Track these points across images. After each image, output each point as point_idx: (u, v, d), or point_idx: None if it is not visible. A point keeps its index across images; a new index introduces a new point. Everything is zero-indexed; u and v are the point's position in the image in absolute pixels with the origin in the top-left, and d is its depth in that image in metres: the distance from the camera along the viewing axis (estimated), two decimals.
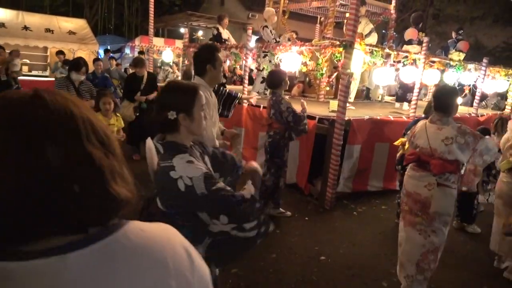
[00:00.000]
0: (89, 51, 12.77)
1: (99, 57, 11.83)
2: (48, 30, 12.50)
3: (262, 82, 6.69)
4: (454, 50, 7.49)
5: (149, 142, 1.70)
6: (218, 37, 7.45)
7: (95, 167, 0.59)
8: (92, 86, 4.70)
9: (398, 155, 4.16)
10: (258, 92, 6.60)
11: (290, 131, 3.96)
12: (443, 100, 2.76)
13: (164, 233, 0.69)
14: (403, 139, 4.11)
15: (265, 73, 6.13)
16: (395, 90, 7.70)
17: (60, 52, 10.20)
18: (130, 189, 0.65)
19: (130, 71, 9.87)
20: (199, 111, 1.59)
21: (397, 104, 6.71)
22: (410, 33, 6.68)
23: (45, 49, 12.48)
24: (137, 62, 5.86)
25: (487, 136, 2.72)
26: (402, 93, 6.72)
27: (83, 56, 10.57)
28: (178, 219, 1.51)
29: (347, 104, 6.07)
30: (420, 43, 6.35)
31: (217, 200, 1.43)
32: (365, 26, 6.96)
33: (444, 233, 2.76)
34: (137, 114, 5.69)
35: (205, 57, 2.74)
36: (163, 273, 0.62)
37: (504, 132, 4.27)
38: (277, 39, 6.85)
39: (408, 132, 3.47)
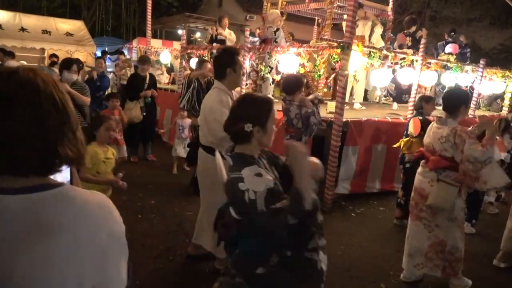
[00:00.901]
0: (87, 52, 12.74)
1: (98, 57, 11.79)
2: (45, 31, 12.46)
3: (272, 83, 6.67)
4: (443, 53, 7.51)
5: (218, 155, 1.77)
6: (214, 38, 7.50)
7: (46, 130, 0.79)
8: (85, 87, 4.52)
9: (400, 155, 4.24)
10: (272, 95, 6.58)
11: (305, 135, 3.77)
12: (450, 102, 2.94)
13: (94, 196, 0.90)
14: (403, 139, 4.14)
15: (275, 76, 6.08)
16: (388, 91, 7.74)
17: (53, 55, 10.03)
18: (76, 151, 0.86)
19: (128, 72, 9.87)
20: (272, 124, 1.64)
21: (395, 106, 6.74)
22: (400, 38, 6.75)
23: (42, 50, 12.44)
24: (145, 60, 5.79)
25: (468, 141, 2.70)
26: (397, 94, 6.75)
27: (81, 58, 10.55)
28: (252, 227, 1.52)
29: (359, 106, 6.14)
30: (410, 47, 6.40)
31: (271, 222, 1.43)
32: (364, 28, 6.97)
33: (449, 229, 2.88)
34: (144, 114, 5.66)
35: (225, 61, 2.73)
36: (94, 225, 0.84)
37: (503, 132, 4.29)
38: (276, 40, 6.84)
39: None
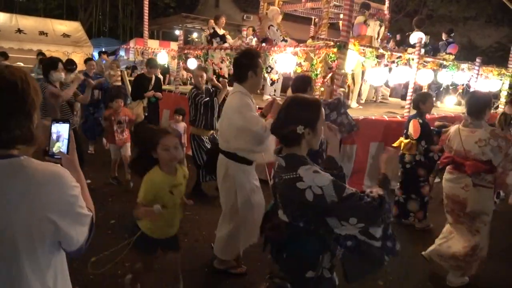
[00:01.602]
0: (84, 53, 12.73)
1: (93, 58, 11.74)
2: (42, 33, 12.46)
3: (271, 85, 6.68)
4: (444, 53, 7.55)
5: (261, 158, 1.72)
6: (213, 35, 7.53)
7: (9, 119, 1.01)
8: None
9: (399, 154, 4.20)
10: (269, 95, 6.59)
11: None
12: (475, 105, 2.91)
13: (49, 166, 1.07)
14: (402, 139, 4.13)
15: (273, 76, 6.09)
16: (400, 91, 7.83)
17: (40, 54, 9.73)
18: (27, 132, 1.04)
19: (125, 73, 9.84)
20: (321, 125, 1.62)
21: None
22: (417, 36, 6.74)
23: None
24: (154, 65, 5.84)
25: None
26: (406, 92, 6.79)
27: (77, 59, 10.51)
28: (306, 228, 1.52)
29: (356, 105, 6.16)
30: (426, 45, 6.46)
31: (348, 206, 1.43)
32: (374, 27, 7.01)
33: (485, 232, 2.94)
34: (146, 114, 5.72)
35: (246, 63, 2.67)
36: (46, 192, 1.02)
37: (508, 127, 4.31)
38: (285, 38, 6.84)
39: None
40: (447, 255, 3.03)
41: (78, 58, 11.66)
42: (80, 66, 8.34)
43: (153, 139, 2.18)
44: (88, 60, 7.11)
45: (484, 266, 3.09)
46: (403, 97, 7.06)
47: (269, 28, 6.90)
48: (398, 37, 8.71)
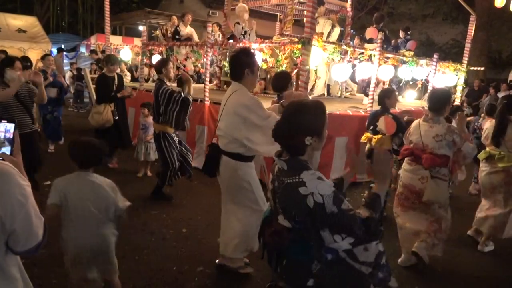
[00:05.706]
0: (41, 50, 12.14)
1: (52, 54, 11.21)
2: None
3: None
4: (404, 50, 7.82)
5: (262, 158, 1.67)
6: (176, 33, 7.41)
7: None
8: (34, 88, 4.12)
9: (365, 149, 4.26)
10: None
11: None
12: (436, 102, 3.11)
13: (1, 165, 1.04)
14: (368, 134, 4.21)
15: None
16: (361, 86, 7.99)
17: (1, 52, 9.36)
18: None
19: (87, 71, 9.49)
20: (326, 129, 1.58)
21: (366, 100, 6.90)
22: (371, 32, 6.90)
23: None
24: (113, 61, 5.25)
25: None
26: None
27: (35, 56, 10.03)
28: (305, 233, 1.47)
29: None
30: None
31: (345, 219, 1.41)
32: (324, 25, 7.11)
33: (441, 213, 3.11)
34: (116, 117, 5.27)
35: (243, 61, 2.65)
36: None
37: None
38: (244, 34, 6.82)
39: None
40: (424, 236, 3.13)
41: (36, 54, 11.11)
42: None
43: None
44: (46, 56, 6.62)
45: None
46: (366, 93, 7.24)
47: (235, 25, 6.88)
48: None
